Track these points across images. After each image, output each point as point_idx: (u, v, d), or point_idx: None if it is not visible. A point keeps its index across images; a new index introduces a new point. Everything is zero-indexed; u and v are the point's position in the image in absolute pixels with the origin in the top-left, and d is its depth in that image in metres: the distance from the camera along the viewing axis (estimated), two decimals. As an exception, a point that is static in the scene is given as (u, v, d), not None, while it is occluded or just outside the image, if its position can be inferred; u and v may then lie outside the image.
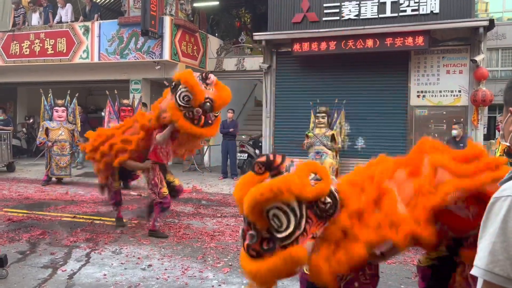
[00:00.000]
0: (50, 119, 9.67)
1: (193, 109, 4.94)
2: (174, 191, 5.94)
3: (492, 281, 1.03)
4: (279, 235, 2.06)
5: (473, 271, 1.07)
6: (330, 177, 2.24)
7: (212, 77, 5.13)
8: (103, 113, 10.38)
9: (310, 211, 2.12)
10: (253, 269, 2.10)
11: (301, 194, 2.04)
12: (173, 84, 5.08)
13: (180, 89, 4.91)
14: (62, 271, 4.37)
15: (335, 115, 9.22)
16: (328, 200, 2.16)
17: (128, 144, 5.46)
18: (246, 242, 2.17)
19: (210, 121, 5.13)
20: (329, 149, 8.52)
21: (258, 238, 2.12)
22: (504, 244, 1.02)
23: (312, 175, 2.23)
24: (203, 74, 5.11)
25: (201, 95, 4.88)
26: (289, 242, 2.05)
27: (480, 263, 1.05)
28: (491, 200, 1.10)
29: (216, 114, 5.25)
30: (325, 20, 10.21)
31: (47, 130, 9.57)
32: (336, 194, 2.26)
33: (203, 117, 5.01)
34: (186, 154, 6.00)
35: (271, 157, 2.16)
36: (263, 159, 2.16)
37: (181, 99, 4.90)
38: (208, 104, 4.94)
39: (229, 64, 12.56)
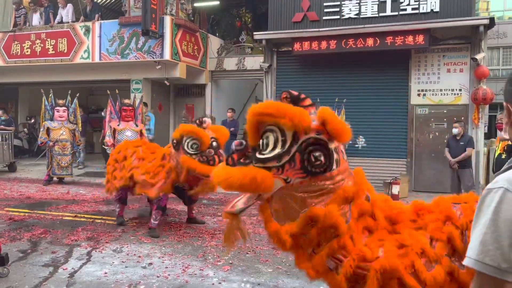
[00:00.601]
0: (51, 119, 9.70)
1: (204, 152, 5.20)
2: (187, 196, 6.02)
3: (482, 271, 1.04)
4: (259, 155, 2.08)
5: (465, 261, 1.08)
6: (335, 123, 2.09)
7: (207, 120, 5.49)
8: (103, 113, 10.41)
9: (298, 155, 2.05)
10: (223, 173, 2.10)
11: (298, 123, 2.02)
12: (175, 142, 5.34)
13: (185, 141, 5.22)
14: (63, 269, 4.39)
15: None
16: (321, 158, 2.06)
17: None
18: (232, 150, 2.24)
19: (221, 158, 5.28)
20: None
21: (244, 149, 2.16)
22: (494, 235, 1.03)
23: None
24: (198, 121, 5.47)
25: (207, 137, 5.23)
26: (263, 166, 2.05)
27: (471, 253, 1.07)
28: (484, 191, 1.11)
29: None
30: (326, 19, 10.21)
31: (48, 130, 9.60)
32: (334, 158, 2.11)
33: (216, 157, 5.24)
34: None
35: (300, 94, 2.22)
36: (293, 92, 2.23)
37: (189, 148, 5.21)
38: (215, 142, 5.29)
39: (230, 63, 12.57)
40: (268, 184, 2.03)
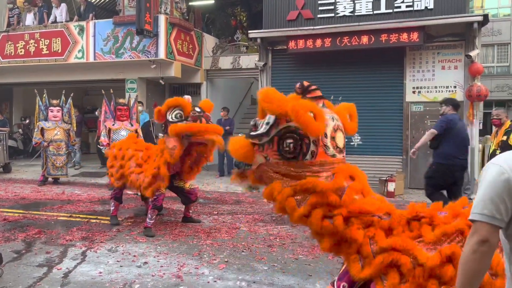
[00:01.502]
0: (45, 119, 9.65)
1: (189, 116, 5.37)
2: (185, 195, 6.06)
3: (482, 220, 1.43)
4: (251, 133, 2.46)
5: (470, 217, 1.47)
6: (317, 117, 2.28)
7: (186, 96, 5.69)
8: (96, 113, 10.36)
9: (276, 138, 2.36)
10: (231, 141, 2.53)
11: (276, 109, 2.31)
12: (163, 126, 5.58)
13: (169, 116, 5.41)
14: (58, 269, 4.36)
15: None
16: (290, 145, 2.32)
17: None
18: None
19: (209, 120, 5.50)
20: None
21: (254, 126, 2.52)
22: (490, 195, 1.44)
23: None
24: None
25: (188, 104, 5.42)
26: (251, 141, 2.45)
27: (475, 210, 1.46)
28: (486, 165, 1.51)
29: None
30: (320, 17, 10.21)
31: (42, 130, 9.55)
32: (310, 149, 2.32)
33: (202, 119, 5.37)
34: (204, 161, 6.05)
35: (310, 85, 2.55)
36: (305, 83, 2.57)
37: (174, 117, 5.38)
38: (197, 108, 5.44)
39: (225, 62, 12.56)
40: (244, 154, 2.45)
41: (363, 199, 2.39)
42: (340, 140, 2.46)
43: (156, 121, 6.02)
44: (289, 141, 2.31)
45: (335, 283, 2.54)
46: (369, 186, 2.53)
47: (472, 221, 1.47)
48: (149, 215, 5.74)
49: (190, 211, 6.51)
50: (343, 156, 2.50)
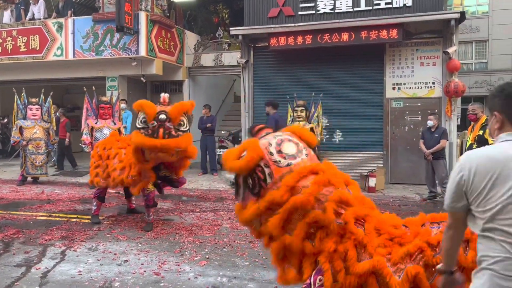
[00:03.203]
0: (24, 118, 9.48)
1: (149, 125, 5.06)
2: (173, 182, 5.96)
3: (451, 210, 1.79)
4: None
5: (444, 208, 1.82)
6: (250, 153, 2.55)
7: (162, 95, 5.47)
8: (58, 113, 10.12)
9: (246, 188, 2.65)
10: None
11: (231, 169, 2.61)
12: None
13: (138, 118, 5.21)
14: (36, 269, 4.32)
15: (312, 108, 9.36)
16: (249, 182, 2.60)
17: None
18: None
19: (174, 133, 5.10)
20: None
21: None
22: (451, 188, 1.76)
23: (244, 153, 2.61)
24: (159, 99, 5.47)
25: (153, 110, 5.09)
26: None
27: (445, 201, 1.80)
28: (456, 163, 1.80)
29: (184, 129, 5.25)
30: (301, 14, 10.25)
31: (21, 129, 9.38)
32: (267, 173, 2.54)
33: (161, 130, 5.03)
34: (179, 170, 5.82)
35: (254, 129, 2.89)
36: (253, 127, 2.93)
37: (139, 122, 5.18)
38: (162, 115, 5.03)
39: (207, 59, 12.52)
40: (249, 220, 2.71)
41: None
42: (289, 148, 2.63)
43: None
44: (249, 181, 2.59)
45: (311, 277, 2.59)
46: (346, 179, 2.62)
47: (444, 210, 1.87)
48: (147, 214, 5.90)
49: (153, 212, 6.12)
50: (302, 159, 2.61)
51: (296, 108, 9.14)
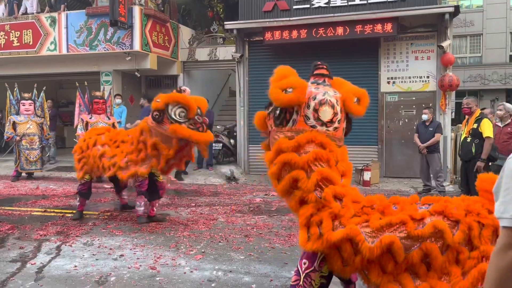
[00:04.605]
0: (17, 113, 9.43)
1: (193, 119, 5.06)
2: (155, 188, 5.92)
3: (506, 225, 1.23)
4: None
5: (503, 223, 1.24)
6: (296, 94, 2.60)
7: (187, 89, 5.34)
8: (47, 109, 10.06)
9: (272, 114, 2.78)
10: (256, 115, 2.96)
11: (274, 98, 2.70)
12: (157, 113, 5.08)
13: (171, 110, 5.03)
14: (31, 264, 4.31)
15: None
16: (277, 111, 2.70)
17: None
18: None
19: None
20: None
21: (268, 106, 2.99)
22: None
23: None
24: (178, 89, 5.30)
25: (194, 104, 5.06)
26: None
27: (508, 215, 1.23)
28: (507, 160, 1.30)
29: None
30: (296, 8, 10.24)
31: (14, 124, 9.34)
32: (292, 118, 2.66)
33: (204, 125, 5.15)
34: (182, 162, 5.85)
35: (318, 65, 2.94)
36: (316, 62, 2.98)
37: (177, 116, 5.03)
38: (199, 110, 5.13)
39: (202, 54, 12.48)
40: (261, 123, 2.89)
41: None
42: (325, 114, 2.63)
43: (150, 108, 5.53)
44: (277, 111, 2.68)
45: (298, 264, 2.67)
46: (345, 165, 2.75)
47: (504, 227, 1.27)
48: (138, 203, 5.76)
49: (155, 209, 6.12)
50: (326, 129, 2.65)
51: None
